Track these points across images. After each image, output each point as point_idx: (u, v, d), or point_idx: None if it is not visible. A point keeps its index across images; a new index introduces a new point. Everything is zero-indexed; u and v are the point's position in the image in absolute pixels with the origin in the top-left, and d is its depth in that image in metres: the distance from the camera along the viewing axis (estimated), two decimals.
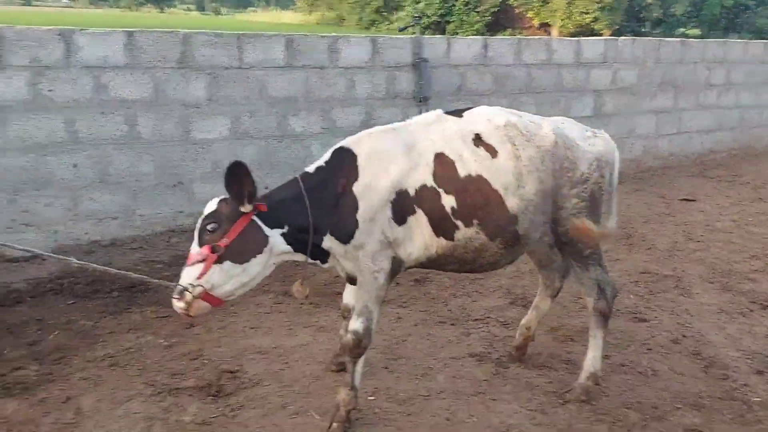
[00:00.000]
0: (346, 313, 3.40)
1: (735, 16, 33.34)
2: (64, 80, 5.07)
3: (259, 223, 2.88)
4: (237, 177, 2.76)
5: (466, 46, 7.22)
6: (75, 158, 5.20)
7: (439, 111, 3.21)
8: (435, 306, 4.68)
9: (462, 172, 2.99)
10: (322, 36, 6.22)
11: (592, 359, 3.44)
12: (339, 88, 6.32)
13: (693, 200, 7.72)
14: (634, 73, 8.73)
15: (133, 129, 5.38)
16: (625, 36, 9.12)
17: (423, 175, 2.98)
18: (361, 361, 3.14)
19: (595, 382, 3.45)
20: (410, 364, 3.82)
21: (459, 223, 3.00)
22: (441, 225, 3.01)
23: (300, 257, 3.04)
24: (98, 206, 5.35)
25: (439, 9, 40.22)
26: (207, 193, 5.74)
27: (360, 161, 2.97)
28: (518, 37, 8.86)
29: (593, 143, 3.27)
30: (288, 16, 60.93)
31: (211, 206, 2.89)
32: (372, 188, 2.93)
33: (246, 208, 2.83)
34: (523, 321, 3.81)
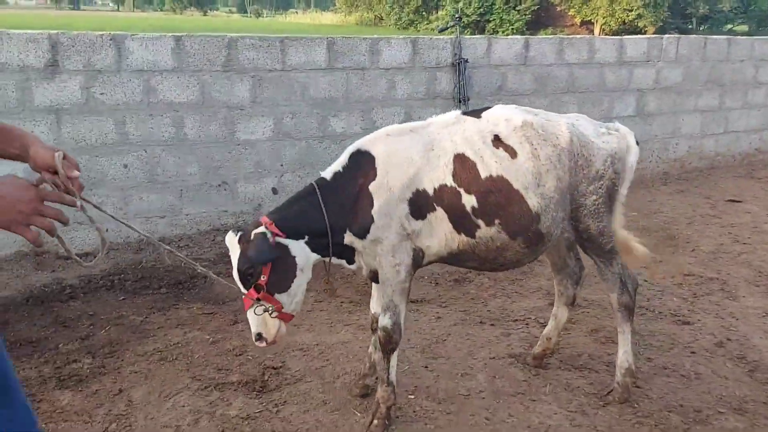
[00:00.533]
0: (375, 324, 3.38)
1: None
2: (115, 84, 5.25)
3: (284, 242, 2.90)
4: (247, 278, 2.86)
5: (507, 45, 7.18)
6: (125, 159, 5.38)
7: (458, 112, 3.24)
8: (474, 306, 4.70)
9: (483, 173, 3.02)
10: (363, 38, 6.28)
11: (623, 354, 3.45)
12: (379, 89, 6.38)
13: (739, 201, 7.54)
14: (679, 72, 8.55)
15: (180, 130, 5.54)
16: (670, 33, 8.94)
17: (442, 175, 3.01)
18: (394, 356, 3.17)
19: (632, 376, 3.45)
20: (450, 364, 3.86)
21: (480, 222, 3.02)
22: (462, 223, 3.03)
23: (328, 260, 3.08)
24: (147, 205, 5.54)
25: (479, 8, 40.02)
26: (249, 193, 5.93)
27: (378, 163, 3.00)
28: (560, 36, 8.74)
29: (607, 140, 3.28)
30: (328, 18, 61.58)
31: (233, 245, 2.89)
32: (388, 187, 2.96)
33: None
34: (544, 331, 3.83)
